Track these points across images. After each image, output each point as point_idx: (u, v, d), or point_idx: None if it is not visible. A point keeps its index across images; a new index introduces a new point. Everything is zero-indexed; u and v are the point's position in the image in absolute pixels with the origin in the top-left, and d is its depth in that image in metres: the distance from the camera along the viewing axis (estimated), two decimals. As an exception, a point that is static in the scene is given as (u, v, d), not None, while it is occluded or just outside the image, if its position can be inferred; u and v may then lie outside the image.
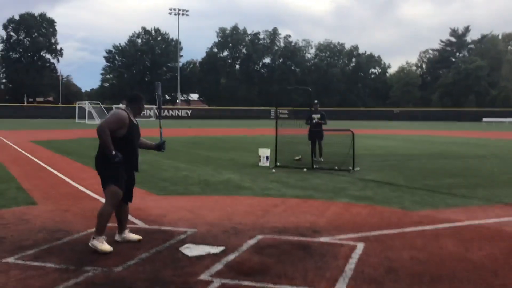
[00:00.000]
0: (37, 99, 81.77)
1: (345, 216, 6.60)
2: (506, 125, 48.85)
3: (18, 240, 5.18)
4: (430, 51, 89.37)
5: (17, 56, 79.45)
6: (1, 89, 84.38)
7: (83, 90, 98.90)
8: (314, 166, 11.95)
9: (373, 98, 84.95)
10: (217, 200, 7.70)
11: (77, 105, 52.37)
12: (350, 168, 11.33)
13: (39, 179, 9.92)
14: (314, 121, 13.20)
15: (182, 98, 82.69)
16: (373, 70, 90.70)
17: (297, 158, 13.20)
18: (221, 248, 4.90)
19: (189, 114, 62.54)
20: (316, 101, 14.01)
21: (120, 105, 5.32)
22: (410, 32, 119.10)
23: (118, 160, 4.81)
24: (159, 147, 5.52)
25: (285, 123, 13.80)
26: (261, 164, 12.26)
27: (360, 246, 5.00)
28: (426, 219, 6.35)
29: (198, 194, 8.26)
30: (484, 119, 55.71)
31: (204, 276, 4.10)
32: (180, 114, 62.27)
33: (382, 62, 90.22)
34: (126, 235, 5.19)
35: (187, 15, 68.44)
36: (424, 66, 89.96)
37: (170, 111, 62.65)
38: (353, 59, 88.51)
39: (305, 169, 11.52)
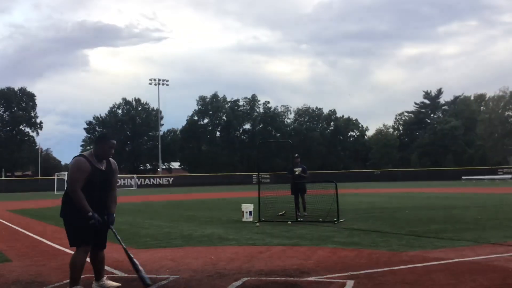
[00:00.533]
0: (16, 173, 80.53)
1: (333, 258, 6.41)
2: (485, 182, 49.47)
3: (-11, 293, 4.87)
4: (406, 114, 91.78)
5: (-4, 131, 79.02)
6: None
7: (62, 163, 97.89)
8: (299, 219, 11.78)
9: (353, 160, 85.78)
10: (201, 250, 7.45)
11: (56, 177, 51.61)
12: (335, 219, 11.19)
13: (15, 241, 9.52)
14: (296, 173, 13.19)
15: (164, 167, 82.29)
16: (351, 133, 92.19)
17: (280, 213, 13.02)
18: (205, 292, 4.66)
19: (170, 182, 62.00)
20: (296, 155, 14.06)
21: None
22: (385, 96, 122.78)
23: (93, 222, 4.52)
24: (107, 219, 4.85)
25: (268, 187, 13.84)
26: (244, 219, 12.04)
27: (350, 283, 4.82)
28: (416, 258, 6.20)
29: (181, 246, 7.99)
30: (464, 177, 56.40)
31: (187, 315, 3.86)
32: (161, 182, 61.70)
33: (360, 125, 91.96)
34: (104, 282, 4.91)
35: (167, 84, 69.74)
36: (400, 128, 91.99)
37: (152, 180, 62.12)
38: (332, 123, 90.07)
39: (289, 222, 11.34)
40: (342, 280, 4.94)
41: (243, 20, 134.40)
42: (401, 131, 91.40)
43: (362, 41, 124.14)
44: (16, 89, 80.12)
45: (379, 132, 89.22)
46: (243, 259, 6.42)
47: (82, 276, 4.63)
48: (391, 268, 5.59)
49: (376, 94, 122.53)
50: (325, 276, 5.19)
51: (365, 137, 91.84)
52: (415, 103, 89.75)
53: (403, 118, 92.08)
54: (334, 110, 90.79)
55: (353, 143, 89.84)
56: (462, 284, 4.73)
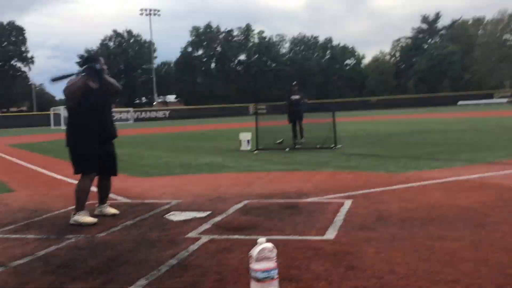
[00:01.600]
0: (11, 109, 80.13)
1: (331, 181, 6.54)
2: (481, 107, 49.58)
3: (-4, 220, 4.98)
4: (403, 40, 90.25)
5: (-13, 66, 77.77)
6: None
7: (57, 98, 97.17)
8: (296, 146, 11.89)
9: (349, 89, 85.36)
10: (201, 177, 7.57)
11: (52, 112, 51.42)
12: (333, 145, 11.30)
13: (17, 172, 9.64)
14: (292, 99, 13.04)
15: (159, 100, 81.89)
16: (348, 61, 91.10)
17: (278, 141, 13.09)
18: (207, 213, 4.77)
19: (167, 115, 61.92)
20: (294, 82, 13.90)
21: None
22: (382, 22, 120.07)
23: (99, 67, 4.62)
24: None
25: (265, 117, 13.78)
26: (242, 148, 12.13)
27: (348, 202, 4.93)
28: (412, 178, 6.32)
29: (181, 174, 8.11)
30: (460, 102, 56.54)
31: (191, 234, 3.97)
32: (157, 115, 61.61)
33: (356, 53, 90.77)
34: (102, 209, 5.00)
35: (158, 15, 67.95)
36: (397, 54, 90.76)
37: (148, 113, 62.02)
38: (328, 52, 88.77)
39: (287, 149, 11.46)
40: (340, 200, 5.05)
41: None
42: (398, 58, 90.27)
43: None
44: (4, 23, 77.99)
45: (375, 60, 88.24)
46: (243, 184, 6.53)
47: (86, 203, 4.70)
48: (388, 188, 5.70)
49: (373, 20, 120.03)
50: (323, 197, 5.30)
51: (362, 65, 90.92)
52: (413, 28, 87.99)
53: (400, 44, 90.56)
54: (330, 38, 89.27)
55: (350, 71, 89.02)
56: (457, 200, 4.84)
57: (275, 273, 2.63)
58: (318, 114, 13.59)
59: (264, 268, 2.60)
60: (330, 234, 3.77)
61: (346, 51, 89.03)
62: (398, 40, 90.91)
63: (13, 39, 78.13)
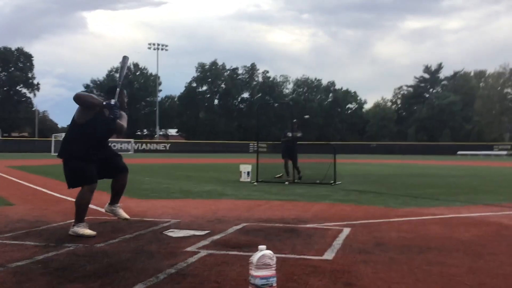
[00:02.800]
0: (12, 134, 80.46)
1: (330, 211, 6.55)
2: (480, 157, 49.74)
3: (-5, 229, 4.98)
4: (405, 87, 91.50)
5: (-7, 90, 78.63)
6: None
7: (59, 126, 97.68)
8: (296, 181, 11.91)
9: (350, 133, 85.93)
10: (200, 202, 7.58)
11: (53, 138, 51.60)
12: (332, 182, 11.33)
13: (16, 190, 9.65)
14: (289, 134, 12.71)
15: (161, 133, 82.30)
16: (349, 105, 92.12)
17: (278, 176, 13.11)
18: (206, 231, 4.78)
19: (167, 148, 62.13)
20: (295, 120, 13.58)
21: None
22: (385, 69, 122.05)
23: (114, 104, 4.62)
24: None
25: (265, 155, 13.85)
26: (242, 179, 12.17)
27: (346, 230, 4.95)
28: (412, 213, 6.34)
29: (181, 198, 8.12)
30: (459, 152, 56.72)
31: (190, 248, 3.98)
32: (158, 147, 61.80)
33: (358, 98, 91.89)
34: (115, 208, 5.03)
35: (166, 49, 69.06)
36: (399, 101, 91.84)
37: (149, 145, 62.19)
38: (330, 95, 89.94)
39: (286, 183, 11.48)
40: (338, 228, 5.07)
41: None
42: (399, 105, 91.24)
43: (365, 12, 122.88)
44: (13, 49, 79.30)
45: (377, 105, 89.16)
46: (243, 209, 6.55)
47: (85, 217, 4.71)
48: (387, 220, 5.73)
49: (376, 67, 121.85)
50: (322, 224, 5.32)
51: (363, 110, 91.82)
52: (415, 77, 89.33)
53: (402, 92, 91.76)
54: (333, 81, 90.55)
55: (351, 115, 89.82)
56: (456, 233, 4.86)
57: (274, 281, 2.65)
58: (319, 155, 13.66)
59: (263, 275, 2.62)
60: (329, 255, 3.79)
61: (348, 95, 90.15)
62: (400, 87, 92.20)
63: (21, 65, 79.27)
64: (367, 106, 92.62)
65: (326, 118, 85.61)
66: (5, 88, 78.77)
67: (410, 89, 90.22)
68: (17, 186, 10.53)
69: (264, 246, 2.69)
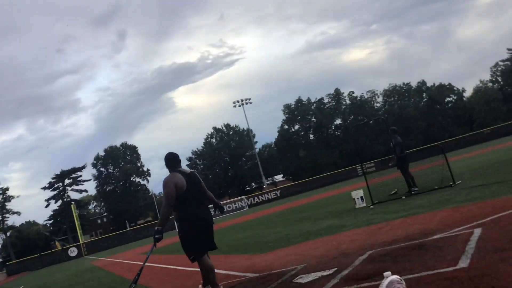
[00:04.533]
0: (138, 222, 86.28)
1: (455, 215, 6.21)
2: None
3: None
4: (501, 63, 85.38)
5: (111, 187, 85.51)
6: (105, 222, 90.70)
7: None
8: (412, 193, 11.44)
9: (457, 126, 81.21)
10: (321, 241, 7.55)
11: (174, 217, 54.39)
12: (451, 183, 10.74)
13: (152, 274, 10.27)
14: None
15: (268, 182, 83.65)
16: (448, 99, 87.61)
17: (392, 192, 12.70)
18: (333, 269, 4.76)
19: (278, 194, 62.75)
20: (391, 128, 13.17)
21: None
22: (474, 51, 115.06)
23: (158, 237, 5.21)
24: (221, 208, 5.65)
25: (373, 175, 13.54)
26: (357, 206, 11.94)
27: (477, 231, 4.67)
28: (544, 194, 5.83)
29: (301, 242, 8.15)
30: None
31: (322, 291, 3.99)
32: (269, 196, 62.60)
33: (455, 89, 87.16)
34: None
35: (250, 103, 71.12)
36: (500, 79, 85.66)
37: (260, 197, 63.24)
38: (424, 94, 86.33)
39: (403, 197, 11.08)
40: (468, 231, 4.80)
41: (306, 20, 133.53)
42: (501, 82, 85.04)
43: (434, 2, 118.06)
44: (118, 145, 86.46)
45: (477, 90, 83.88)
46: (365, 237, 6.42)
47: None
48: (519, 209, 5.31)
49: (464, 52, 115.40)
50: (450, 231, 5.06)
51: (464, 99, 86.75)
52: (508, 50, 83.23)
53: (499, 68, 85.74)
54: (423, 81, 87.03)
55: (453, 108, 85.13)
56: None
57: (409, 305, 2.58)
58: (429, 159, 13.08)
59: (397, 301, 2.57)
60: (463, 263, 3.60)
61: (444, 89, 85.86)
62: (496, 65, 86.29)
63: (129, 157, 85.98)
64: (467, 94, 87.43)
65: (427, 119, 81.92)
66: (121, 183, 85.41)
67: (508, 62, 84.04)
68: (152, 269, 11.21)
69: (389, 273, 2.66)
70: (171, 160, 5.43)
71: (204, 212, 5.25)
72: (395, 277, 2.62)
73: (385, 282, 2.61)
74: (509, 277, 2.93)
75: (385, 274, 2.65)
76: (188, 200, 5.14)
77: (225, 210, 5.91)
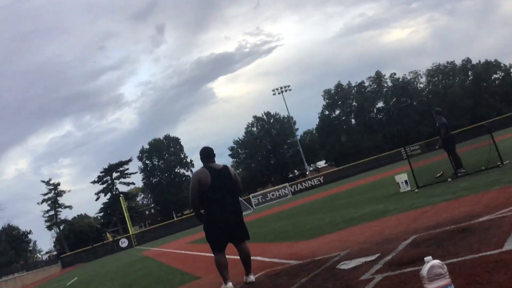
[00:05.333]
0: (184, 212, 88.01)
1: (503, 196, 6.04)
2: None
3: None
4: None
5: (157, 179, 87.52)
6: (153, 213, 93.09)
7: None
8: (459, 174, 11.15)
9: (506, 104, 78.16)
10: (365, 226, 7.50)
11: (218, 205, 55.07)
12: (499, 163, 10.41)
13: (199, 262, 10.50)
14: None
15: (311, 169, 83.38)
16: (495, 76, 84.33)
17: (438, 175, 12.44)
18: (377, 255, 4.74)
19: (321, 181, 62.44)
20: (435, 109, 12.88)
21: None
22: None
23: (201, 221, 5.54)
24: None
25: (418, 158, 13.27)
26: (402, 190, 11.77)
27: (526, 212, 4.53)
28: None
29: (345, 228, 8.12)
30: None
31: (364, 276, 3.99)
32: (313, 183, 62.39)
33: (502, 65, 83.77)
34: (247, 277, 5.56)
35: (289, 89, 70.78)
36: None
37: (303, 184, 63.12)
38: (469, 72, 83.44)
39: (449, 180, 10.83)
40: (516, 212, 4.66)
41: (343, 2, 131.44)
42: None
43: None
44: (161, 138, 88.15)
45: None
46: (409, 222, 6.34)
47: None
48: None
49: (510, 27, 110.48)
50: (497, 213, 4.93)
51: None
52: (559, 20, 79.00)
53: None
54: (468, 58, 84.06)
55: (501, 85, 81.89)
56: None
57: (452, 289, 2.55)
58: (476, 139, 12.70)
59: (439, 286, 2.55)
60: (510, 245, 3.51)
61: (491, 66, 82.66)
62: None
63: (172, 149, 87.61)
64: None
65: (474, 97, 79.24)
66: (166, 174, 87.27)
67: (558, 34, 79.94)
68: (200, 259, 11.45)
69: (430, 257, 2.63)
70: (203, 154, 5.61)
71: (228, 211, 5.42)
72: (436, 261, 2.59)
73: (426, 266, 2.58)
74: (557, 259, 2.85)
75: (426, 259, 2.63)
76: (210, 197, 5.36)
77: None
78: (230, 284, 5.45)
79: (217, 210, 5.37)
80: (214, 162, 5.60)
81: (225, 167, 5.56)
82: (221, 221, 5.37)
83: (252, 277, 5.48)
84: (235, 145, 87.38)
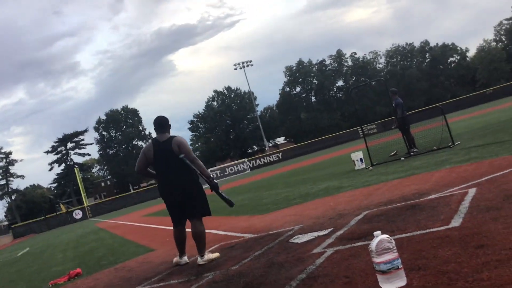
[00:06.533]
0: (141, 185, 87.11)
1: (451, 176, 6.26)
2: None
3: (143, 275, 5.48)
4: (505, 22, 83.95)
5: (114, 151, 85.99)
6: (108, 185, 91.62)
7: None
8: (411, 153, 11.49)
9: (460, 86, 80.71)
10: (319, 202, 7.64)
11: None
12: (450, 144, 10.77)
13: (154, 235, 10.47)
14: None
15: (270, 145, 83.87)
16: (451, 59, 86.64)
17: (392, 153, 12.77)
18: (329, 230, 4.85)
19: (280, 157, 63.01)
20: (391, 89, 13.16)
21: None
22: (477, 10, 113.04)
23: (215, 184, 5.20)
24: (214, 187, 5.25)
25: (374, 137, 13.58)
26: (357, 167, 12.03)
27: (472, 190, 4.72)
28: (541, 154, 5.85)
29: (300, 203, 8.25)
30: None
31: (316, 250, 4.07)
32: (271, 159, 62.91)
33: (459, 48, 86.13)
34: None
35: (251, 65, 70.42)
36: (503, 38, 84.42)
37: (262, 159, 63.55)
38: (427, 55, 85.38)
39: (402, 158, 11.14)
40: (463, 191, 4.85)
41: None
42: (505, 42, 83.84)
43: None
44: (119, 109, 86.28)
45: (481, 50, 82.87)
46: (361, 198, 6.50)
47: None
48: (515, 169, 5.35)
49: (468, 11, 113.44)
50: (445, 192, 5.12)
51: (467, 59, 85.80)
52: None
53: (503, 27, 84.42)
54: (426, 40, 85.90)
55: (456, 68, 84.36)
56: None
57: (399, 263, 2.64)
58: (429, 120, 13.09)
59: (386, 260, 2.62)
60: (456, 222, 3.66)
61: (447, 49, 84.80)
62: (500, 23, 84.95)
63: (130, 121, 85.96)
64: (470, 54, 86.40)
65: (430, 79, 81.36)
66: (123, 146, 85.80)
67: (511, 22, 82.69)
68: (155, 231, 11.41)
69: (379, 232, 2.70)
70: (154, 124, 5.44)
71: (170, 184, 5.21)
72: (384, 236, 2.67)
73: (375, 241, 2.66)
74: (498, 235, 2.98)
75: (375, 233, 2.70)
76: (156, 171, 5.32)
77: (218, 188, 5.29)
78: (185, 258, 5.44)
79: (160, 184, 5.30)
80: (166, 133, 5.33)
81: (169, 138, 5.23)
82: (164, 195, 5.31)
83: (185, 258, 5.40)
84: (195, 119, 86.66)
